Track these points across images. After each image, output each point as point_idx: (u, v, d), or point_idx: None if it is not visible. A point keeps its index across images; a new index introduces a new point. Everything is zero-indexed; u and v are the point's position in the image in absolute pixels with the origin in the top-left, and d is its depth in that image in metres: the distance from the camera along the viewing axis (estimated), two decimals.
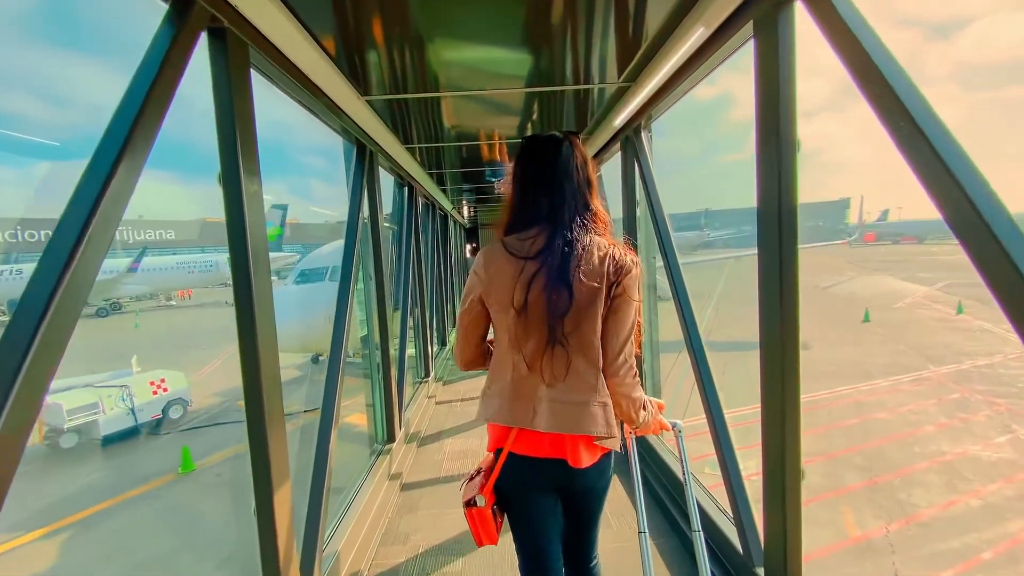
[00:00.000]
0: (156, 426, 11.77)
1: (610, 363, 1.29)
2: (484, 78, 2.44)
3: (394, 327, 3.95)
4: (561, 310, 1.24)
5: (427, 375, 4.90)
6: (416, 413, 3.96)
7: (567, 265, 1.24)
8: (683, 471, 1.58)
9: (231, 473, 9.62)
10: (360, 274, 3.04)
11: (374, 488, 2.66)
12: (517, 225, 1.34)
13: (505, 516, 1.40)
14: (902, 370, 12.90)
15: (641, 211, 3.12)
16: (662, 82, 2.39)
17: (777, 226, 1.52)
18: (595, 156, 3.84)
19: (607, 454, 1.35)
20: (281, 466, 1.60)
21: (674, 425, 1.53)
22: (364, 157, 2.91)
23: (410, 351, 4.89)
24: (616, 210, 3.40)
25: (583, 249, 1.26)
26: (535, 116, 3.16)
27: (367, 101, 2.56)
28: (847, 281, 25.97)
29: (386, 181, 4.46)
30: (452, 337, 2.42)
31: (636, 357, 1.34)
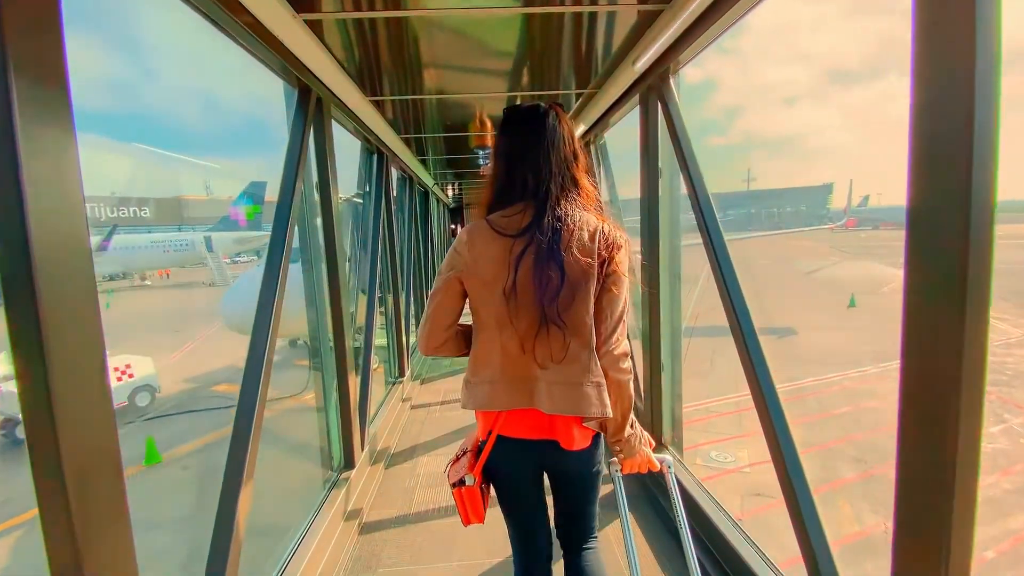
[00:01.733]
0: (121, 415, 11.04)
1: (603, 343, 1.23)
2: None
3: (359, 317, 3.27)
4: (553, 289, 1.19)
5: (402, 374, 4.21)
6: (385, 424, 3.29)
7: (557, 242, 1.19)
8: (677, 515, 1.38)
9: (199, 465, 8.97)
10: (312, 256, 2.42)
11: (323, 535, 2.01)
12: (501, 201, 1.28)
13: (492, 491, 1.38)
14: (891, 357, 12.73)
15: (664, 183, 2.47)
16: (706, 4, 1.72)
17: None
18: (604, 115, 3.14)
19: (598, 436, 1.32)
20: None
21: (663, 461, 1.40)
22: (308, 104, 2.18)
23: (380, 341, 4.20)
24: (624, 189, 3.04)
25: (573, 224, 1.21)
26: (528, 59, 2.46)
27: (304, 21, 1.83)
28: (831, 266, 25.84)
29: (351, 146, 3.71)
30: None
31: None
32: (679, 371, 2.58)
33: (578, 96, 3.10)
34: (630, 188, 3.54)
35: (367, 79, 2.59)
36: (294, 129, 2.08)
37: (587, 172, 1.32)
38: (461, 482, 1.31)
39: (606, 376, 1.23)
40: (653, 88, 2.37)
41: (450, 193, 9.47)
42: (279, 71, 2.10)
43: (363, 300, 3.38)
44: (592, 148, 3.70)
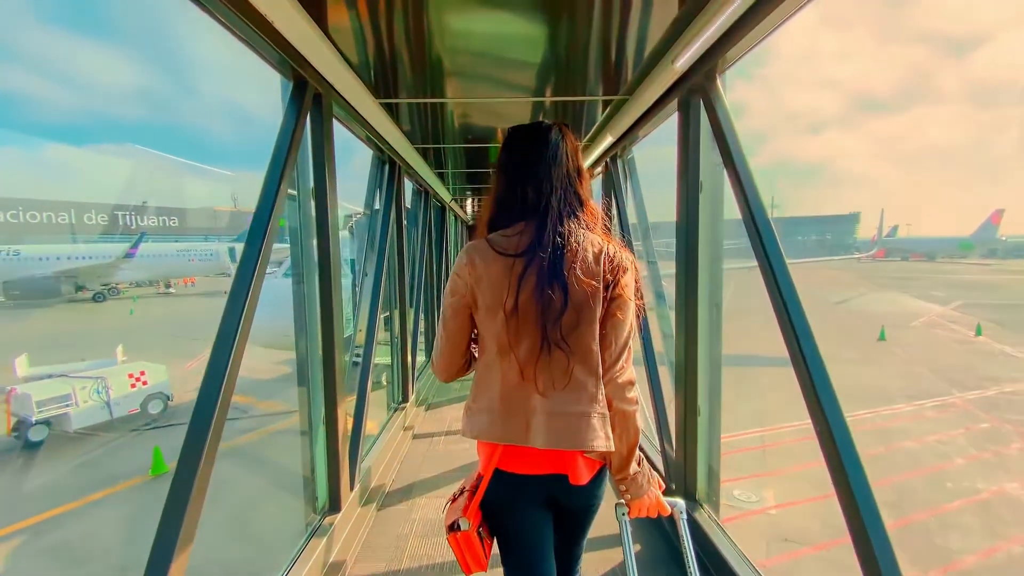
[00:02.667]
0: (131, 422, 10.95)
1: (607, 371, 1.16)
2: None
3: (359, 336, 2.98)
4: (556, 310, 1.11)
5: (405, 399, 3.88)
6: (382, 457, 2.96)
7: (560, 262, 1.12)
8: (689, 566, 1.26)
9: (227, 468, 8.74)
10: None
11: None
12: (502, 219, 1.22)
13: (495, 540, 1.25)
14: (924, 394, 12.08)
15: (705, 198, 2.14)
16: None
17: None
18: (634, 126, 2.84)
19: (603, 467, 1.24)
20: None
21: (675, 506, 1.29)
22: (303, 99, 1.92)
23: (383, 359, 3.89)
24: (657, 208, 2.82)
25: (577, 244, 1.14)
26: (554, 62, 2.19)
27: (301, 4, 1.58)
28: (859, 297, 24.87)
29: (361, 156, 3.47)
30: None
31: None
32: (719, 416, 2.21)
33: (606, 104, 2.82)
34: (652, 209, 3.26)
35: (378, 78, 2.35)
36: (284, 125, 1.82)
37: (591, 192, 1.28)
38: (455, 526, 1.20)
39: (611, 406, 1.16)
40: (696, 90, 2.06)
41: (469, 210, 9.25)
42: (275, 63, 1.86)
43: (366, 317, 3.10)
44: (619, 163, 3.41)
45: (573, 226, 1.17)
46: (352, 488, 2.35)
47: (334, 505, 2.18)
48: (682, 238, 2.16)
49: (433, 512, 2.65)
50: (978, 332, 16.94)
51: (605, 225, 1.25)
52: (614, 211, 3.45)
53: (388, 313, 3.80)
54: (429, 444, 3.54)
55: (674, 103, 2.28)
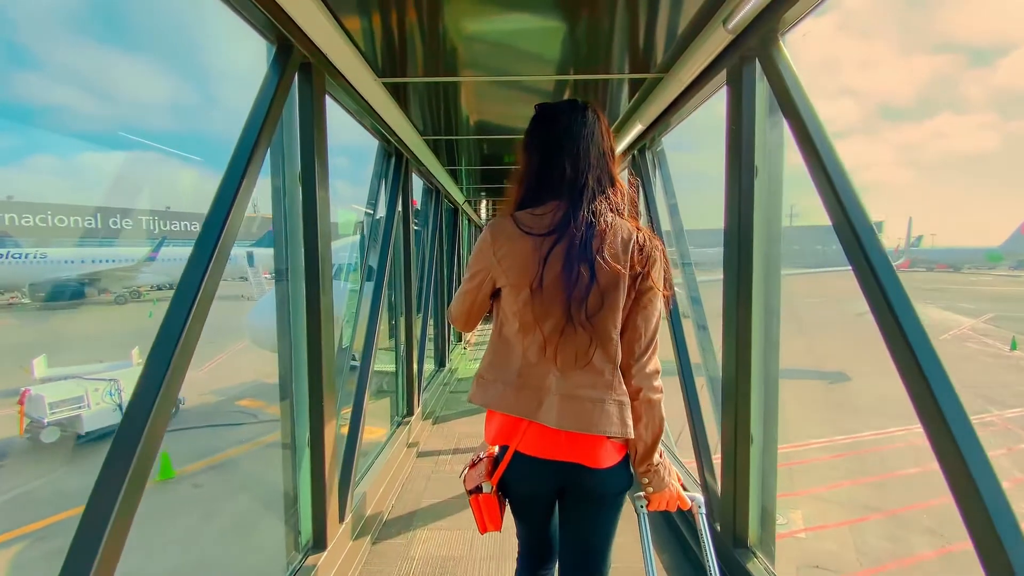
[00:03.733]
0: None
1: (636, 360, 1.14)
2: None
3: (358, 340, 2.67)
4: (583, 288, 1.09)
5: (410, 412, 3.54)
6: (382, 479, 2.62)
7: (589, 241, 1.10)
8: (708, 562, 1.18)
9: (211, 484, 8.53)
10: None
11: None
12: (532, 197, 1.18)
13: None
14: None
15: (761, 187, 1.77)
16: None
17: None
18: (668, 109, 2.50)
19: (628, 453, 1.20)
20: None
21: (693, 500, 1.24)
22: (287, 63, 1.61)
23: (387, 366, 3.56)
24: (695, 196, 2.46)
25: (606, 226, 1.12)
26: (586, 25, 1.85)
27: None
28: None
29: (366, 146, 3.17)
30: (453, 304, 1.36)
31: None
32: (775, 445, 1.83)
33: (634, 88, 2.48)
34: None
35: (381, 52, 2.04)
36: (261, 95, 1.51)
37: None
38: (478, 489, 1.25)
39: (638, 395, 1.15)
40: (750, 57, 1.71)
41: (483, 213, 8.94)
42: (259, 25, 1.56)
43: (365, 321, 2.78)
44: (648, 155, 3.06)
45: (604, 207, 1.14)
46: (342, 520, 2.01)
47: (319, 542, 1.84)
48: (733, 234, 1.80)
49: (436, 547, 2.28)
50: (1013, 346, 16.21)
51: (635, 211, 1.23)
52: (642, 208, 3.10)
53: (395, 321, 3.49)
54: (435, 463, 3.18)
55: (720, 76, 1.92)
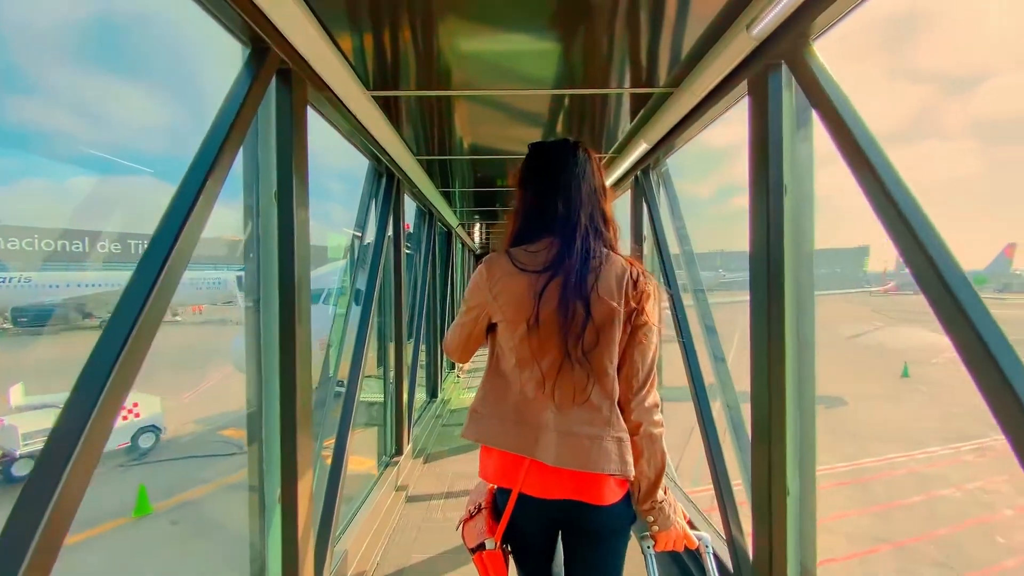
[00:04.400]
0: (120, 456, 10.38)
1: (635, 394, 1.14)
2: None
3: (344, 368, 2.42)
4: (579, 324, 1.10)
5: (399, 451, 3.25)
6: (365, 531, 2.33)
7: (583, 277, 1.11)
8: None
9: (189, 520, 8.06)
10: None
11: None
12: (526, 234, 1.20)
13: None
14: (959, 436, 11.27)
15: (789, 205, 1.59)
16: None
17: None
18: (678, 126, 2.34)
19: (630, 489, 1.18)
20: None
21: (700, 538, 1.21)
22: (261, 66, 1.42)
23: (375, 395, 3.30)
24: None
25: (600, 263, 1.13)
26: (578, 46, 1.70)
27: None
28: (874, 331, 23.93)
29: (361, 167, 2.99)
30: (448, 334, 1.36)
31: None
32: (813, 494, 1.60)
33: (640, 101, 2.32)
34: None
35: (370, 62, 1.87)
36: (230, 99, 1.31)
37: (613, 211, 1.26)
38: (481, 546, 1.19)
39: (638, 430, 1.13)
40: (775, 64, 1.55)
41: (477, 238, 8.77)
42: (236, 28, 1.38)
43: (351, 350, 2.54)
44: (652, 176, 2.90)
45: (598, 244, 1.16)
46: None
47: None
48: (760, 258, 1.61)
49: None
50: None
51: (630, 246, 1.09)
52: (647, 232, 2.93)
53: (383, 348, 3.24)
54: (426, 510, 2.87)
55: (740, 87, 1.76)
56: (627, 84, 2.10)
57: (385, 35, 1.68)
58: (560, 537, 1.26)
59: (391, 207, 3.00)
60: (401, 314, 3.19)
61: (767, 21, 1.43)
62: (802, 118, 1.60)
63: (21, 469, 9.40)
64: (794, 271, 1.59)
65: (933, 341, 20.97)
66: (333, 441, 2.33)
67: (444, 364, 6.14)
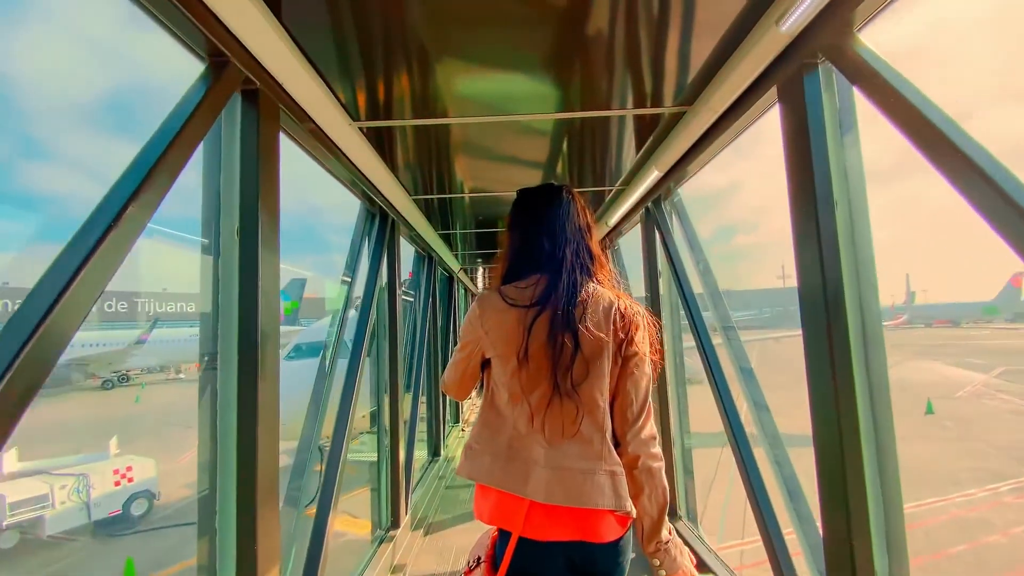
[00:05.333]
0: (113, 524, 9.82)
1: (631, 426, 1.11)
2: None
3: (322, 424, 2.11)
4: (567, 358, 1.09)
5: (395, 524, 2.82)
6: None
7: (571, 311, 1.11)
8: None
9: None
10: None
11: None
12: (516, 271, 1.22)
13: None
14: (994, 476, 10.61)
15: (842, 220, 1.34)
16: None
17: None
18: (695, 147, 2.12)
19: (632, 525, 1.13)
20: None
21: None
22: (219, 79, 1.22)
23: (369, 454, 2.94)
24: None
25: (587, 296, 1.14)
26: (585, 58, 1.51)
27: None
28: (891, 366, 23.12)
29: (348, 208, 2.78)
30: (445, 374, 1.31)
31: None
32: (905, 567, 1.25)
33: (647, 125, 2.13)
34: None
35: (352, 88, 1.69)
36: (173, 116, 1.10)
37: (600, 248, 1.26)
38: None
39: (636, 462, 1.11)
40: (810, 64, 1.34)
41: (480, 282, 8.55)
42: (185, 35, 1.19)
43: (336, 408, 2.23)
44: (665, 206, 2.67)
45: (585, 279, 1.17)
46: None
47: None
48: (813, 284, 1.34)
49: None
50: None
51: (616, 280, 1.25)
52: (663, 267, 2.67)
53: (378, 404, 2.92)
54: None
55: (767, 95, 1.55)
56: (630, 105, 1.91)
57: (369, 58, 1.50)
58: None
59: (384, 250, 2.77)
60: (396, 365, 2.89)
61: (801, 11, 1.23)
62: (846, 121, 1.38)
63: (6, 541, 8.86)
64: (857, 298, 1.31)
65: (953, 375, 20.26)
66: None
67: (447, 415, 5.73)
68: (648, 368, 1.15)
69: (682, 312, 2.62)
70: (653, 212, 2.70)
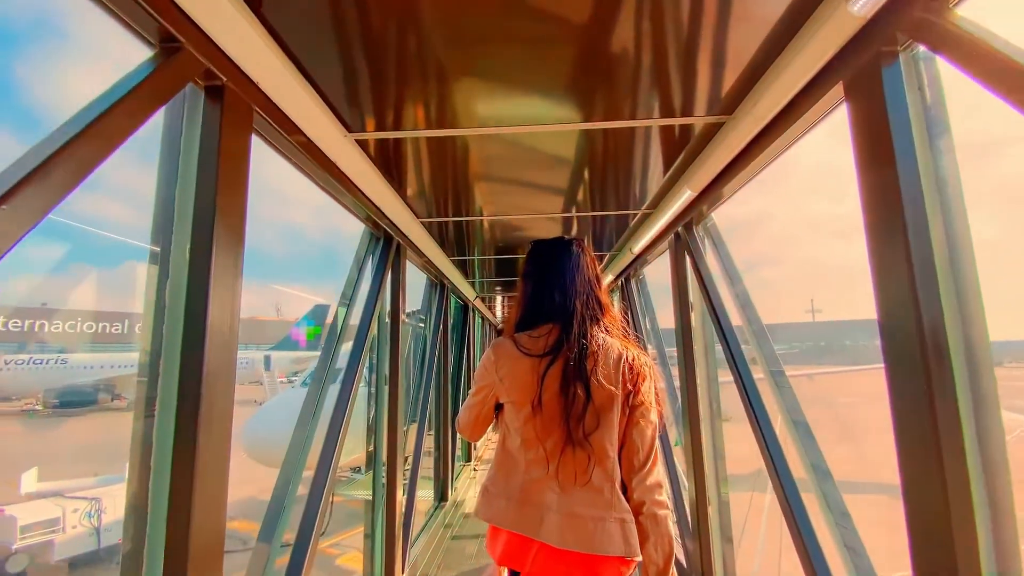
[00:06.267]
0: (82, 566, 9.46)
1: (636, 473, 1.15)
2: None
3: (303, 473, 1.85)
4: (580, 407, 1.15)
5: None
6: None
7: (583, 361, 1.17)
8: None
9: None
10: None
11: None
12: (528, 320, 1.28)
13: None
14: None
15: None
16: None
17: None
18: (745, 151, 1.85)
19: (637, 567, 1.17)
20: None
21: None
22: (170, 66, 1.02)
23: (365, 491, 2.64)
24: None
25: (598, 347, 1.19)
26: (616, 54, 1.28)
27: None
28: None
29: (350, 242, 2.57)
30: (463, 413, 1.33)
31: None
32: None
33: (675, 142, 1.87)
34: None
35: (348, 92, 1.49)
36: (107, 95, 0.89)
37: (611, 300, 1.32)
38: None
39: (641, 509, 1.14)
40: (888, 53, 1.07)
41: (499, 312, 8.28)
42: (127, 16, 1.00)
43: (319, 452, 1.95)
44: (697, 231, 2.39)
45: (595, 330, 1.22)
46: None
47: None
48: (903, 318, 1.03)
49: None
50: None
51: (624, 330, 1.28)
52: (695, 298, 2.37)
53: (375, 442, 2.63)
54: None
55: (829, 95, 1.28)
56: (657, 115, 1.66)
57: (368, 59, 1.30)
58: None
59: (387, 275, 2.54)
60: (397, 394, 2.59)
61: None
62: (937, 123, 1.09)
63: (15, 566, 8.70)
64: (961, 334, 1.01)
65: (1004, 419, 18.77)
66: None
67: (458, 452, 5.37)
68: (654, 416, 1.19)
69: (717, 346, 2.30)
70: (684, 237, 2.42)
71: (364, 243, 2.50)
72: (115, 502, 9.84)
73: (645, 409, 1.18)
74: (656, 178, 2.25)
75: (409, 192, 2.36)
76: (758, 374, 1.94)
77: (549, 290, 1.26)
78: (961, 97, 1.10)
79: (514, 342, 1.22)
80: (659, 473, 1.17)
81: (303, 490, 1.91)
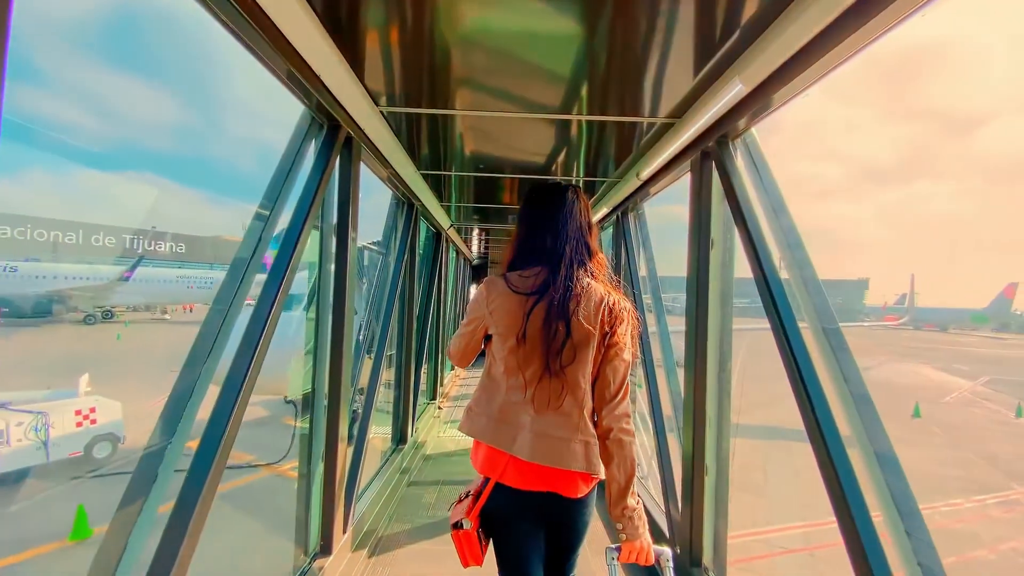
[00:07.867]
0: (70, 467, 9.24)
1: (607, 403, 1.28)
2: None
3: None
4: (559, 342, 1.25)
5: (327, 547, 1.95)
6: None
7: (566, 302, 1.26)
8: None
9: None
10: None
11: None
12: (520, 261, 1.37)
13: (491, 542, 1.37)
14: (981, 487, 10.36)
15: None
16: None
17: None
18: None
19: (597, 484, 1.32)
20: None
21: (661, 554, 1.26)
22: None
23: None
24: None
25: (582, 289, 1.28)
26: None
27: None
28: (878, 367, 22.59)
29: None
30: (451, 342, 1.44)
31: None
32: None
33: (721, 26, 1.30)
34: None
35: None
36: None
37: (599, 245, 1.42)
38: (459, 524, 1.31)
39: (609, 434, 1.26)
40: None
41: (475, 247, 7.71)
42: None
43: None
44: (732, 146, 1.85)
45: (581, 273, 1.31)
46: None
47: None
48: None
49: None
50: (1019, 413, 14.96)
51: (610, 275, 1.38)
52: (716, 233, 1.87)
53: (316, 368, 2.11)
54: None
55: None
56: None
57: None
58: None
59: (329, 172, 1.90)
60: (343, 321, 2.02)
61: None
62: None
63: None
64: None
65: (940, 380, 19.88)
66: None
67: (422, 393, 4.96)
68: (627, 355, 1.30)
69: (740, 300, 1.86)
70: (715, 155, 1.86)
71: (301, 130, 1.85)
72: (63, 418, 9.37)
73: (619, 349, 1.28)
74: (685, 74, 1.68)
75: (368, 69, 1.72)
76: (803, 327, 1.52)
77: (542, 233, 1.33)
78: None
79: (505, 280, 1.31)
80: (627, 405, 1.28)
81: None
